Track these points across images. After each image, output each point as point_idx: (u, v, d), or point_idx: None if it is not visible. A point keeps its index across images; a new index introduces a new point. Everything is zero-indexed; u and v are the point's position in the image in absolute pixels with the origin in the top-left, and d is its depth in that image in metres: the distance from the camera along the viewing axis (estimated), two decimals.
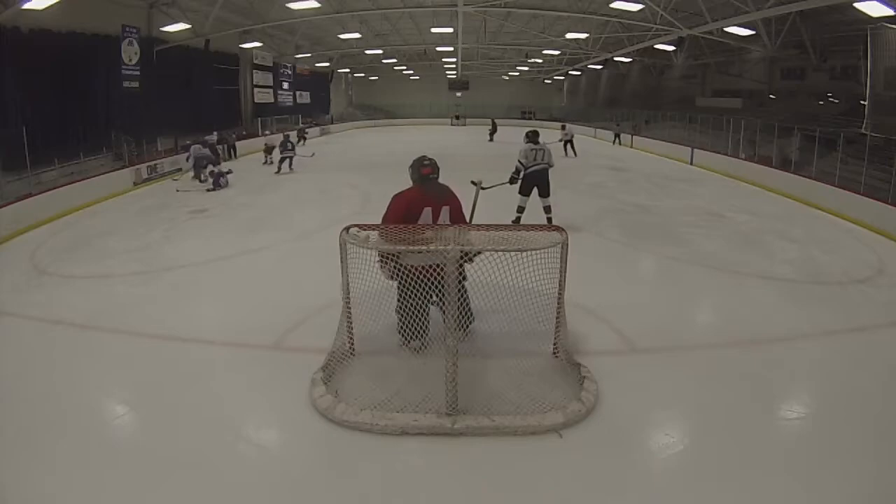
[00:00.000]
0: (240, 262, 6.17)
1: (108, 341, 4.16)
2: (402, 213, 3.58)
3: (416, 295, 3.34)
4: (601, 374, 3.42)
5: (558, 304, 3.53)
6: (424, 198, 3.66)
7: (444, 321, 3.06)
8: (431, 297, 3.40)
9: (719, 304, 5.06)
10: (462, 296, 3.30)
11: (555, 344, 3.64)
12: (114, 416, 3.29)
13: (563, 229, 3.41)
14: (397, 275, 3.52)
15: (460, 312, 3.19)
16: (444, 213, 3.69)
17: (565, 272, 3.44)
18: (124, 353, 3.96)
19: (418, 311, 3.43)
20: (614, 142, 21.27)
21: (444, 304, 3.06)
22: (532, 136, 6.98)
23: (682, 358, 3.90)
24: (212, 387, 3.48)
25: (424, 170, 3.72)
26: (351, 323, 3.65)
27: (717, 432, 3.02)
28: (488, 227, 3.41)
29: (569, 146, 16.74)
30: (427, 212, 3.62)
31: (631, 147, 20.30)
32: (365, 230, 3.34)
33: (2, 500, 2.49)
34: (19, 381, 3.58)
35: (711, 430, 3.05)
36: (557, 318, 3.57)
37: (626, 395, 3.30)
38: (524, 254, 3.27)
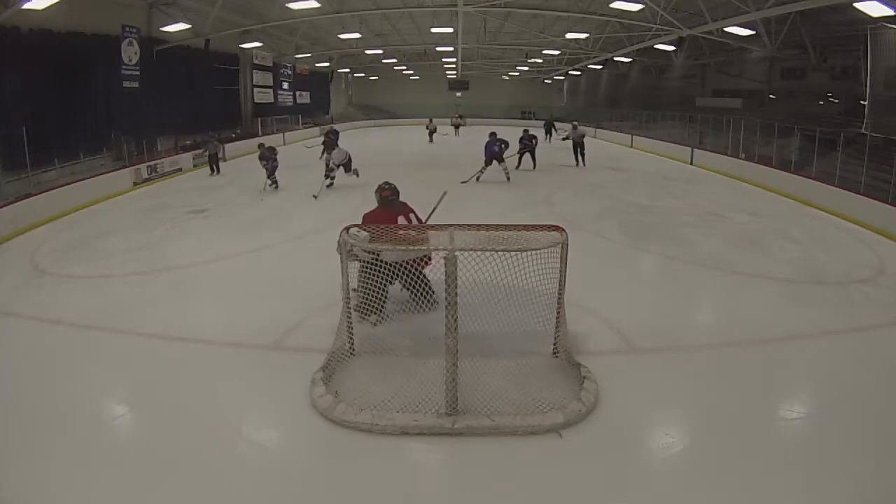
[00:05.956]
0: (240, 262, 6.17)
1: (108, 341, 4.17)
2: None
3: (378, 279, 3.81)
4: (601, 374, 3.42)
5: (558, 304, 3.54)
6: (392, 213, 4.38)
7: (412, 299, 3.92)
8: (394, 282, 4.08)
9: (719, 304, 5.06)
10: (422, 279, 3.96)
11: (555, 344, 3.65)
12: (113, 416, 3.29)
13: (563, 229, 3.41)
14: (365, 262, 3.96)
15: (425, 291, 3.94)
16: (411, 220, 4.49)
17: (565, 272, 3.44)
18: (124, 353, 3.96)
19: (380, 292, 3.93)
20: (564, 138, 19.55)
21: (409, 287, 3.95)
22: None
23: (682, 358, 3.91)
24: (212, 387, 3.48)
25: (384, 192, 4.55)
26: (351, 323, 3.66)
27: (716, 432, 3.02)
28: (488, 226, 3.42)
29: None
30: (400, 220, 4.35)
31: (631, 147, 20.30)
32: (364, 230, 3.36)
33: (2, 500, 2.49)
34: (19, 381, 3.58)
35: (711, 430, 3.05)
36: (557, 318, 3.57)
37: (626, 395, 3.31)
38: (524, 254, 3.28)
